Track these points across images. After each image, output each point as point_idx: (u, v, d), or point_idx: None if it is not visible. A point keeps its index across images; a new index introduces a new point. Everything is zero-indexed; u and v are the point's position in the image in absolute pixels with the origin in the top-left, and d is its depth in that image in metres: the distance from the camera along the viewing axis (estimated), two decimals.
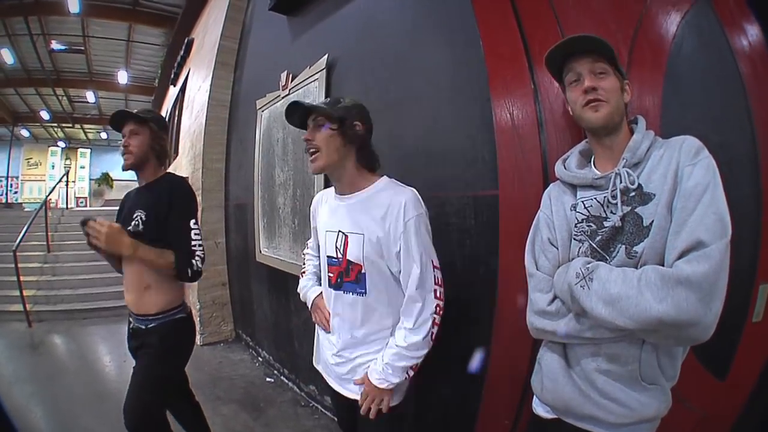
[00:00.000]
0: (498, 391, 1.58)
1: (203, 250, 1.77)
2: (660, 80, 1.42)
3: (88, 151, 19.57)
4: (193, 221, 1.77)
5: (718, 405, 1.45)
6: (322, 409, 2.77)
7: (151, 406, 1.71)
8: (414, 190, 1.35)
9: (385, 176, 1.42)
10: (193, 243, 1.74)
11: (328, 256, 1.45)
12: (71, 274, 6.23)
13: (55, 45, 10.40)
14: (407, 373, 1.31)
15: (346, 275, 1.39)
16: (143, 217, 1.73)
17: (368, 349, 1.39)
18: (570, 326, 1.00)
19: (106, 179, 19.03)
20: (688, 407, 1.37)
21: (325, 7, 2.71)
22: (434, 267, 1.31)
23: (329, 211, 1.47)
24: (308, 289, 1.61)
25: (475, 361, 1.59)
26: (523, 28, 1.52)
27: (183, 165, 4.98)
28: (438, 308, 1.30)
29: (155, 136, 1.84)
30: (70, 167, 17.85)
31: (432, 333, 1.30)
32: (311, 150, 1.34)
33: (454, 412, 1.78)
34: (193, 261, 1.72)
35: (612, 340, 0.96)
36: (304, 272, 1.69)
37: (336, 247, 1.40)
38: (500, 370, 1.57)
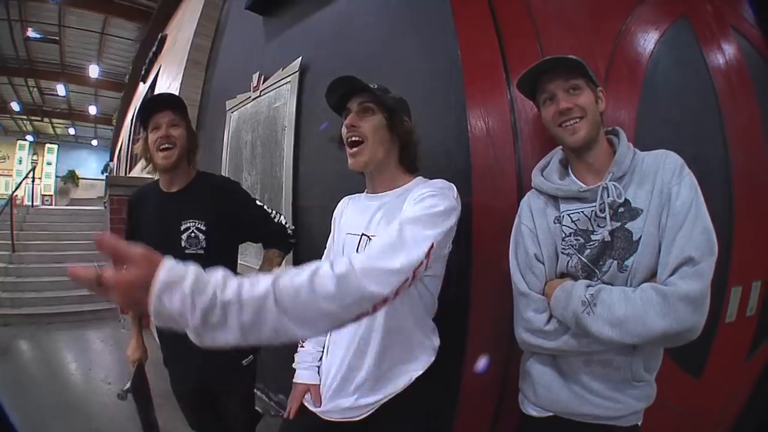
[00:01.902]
0: (474, 398, 1.54)
1: (278, 211, 1.77)
2: (636, 94, 1.45)
3: (56, 146, 18.96)
4: (258, 201, 1.72)
5: (696, 402, 1.55)
6: None
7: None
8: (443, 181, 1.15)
9: (420, 177, 1.26)
10: (274, 216, 1.72)
11: None
12: (36, 275, 5.92)
13: (31, 33, 10.07)
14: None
15: None
16: (202, 227, 1.53)
17: (369, 379, 1.16)
18: (569, 344, 1.03)
19: (72, 177, 18.39)
20: (668, 407, 1.43)
21: (301, 10, 2.65)
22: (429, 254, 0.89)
23: (355, 212, 1.29)
24: (301, 369, 1.34)
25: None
26: (502, 41, 1.50)
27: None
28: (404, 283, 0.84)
29: (191, 130, 1.62)
30: (37, 163, 17.25)
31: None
32: (354, 138, 1.14)
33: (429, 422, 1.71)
34: (289, 232, 1.74)
35: (604, 349, 1.01)
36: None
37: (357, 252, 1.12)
38: (475, 377, 1.52)
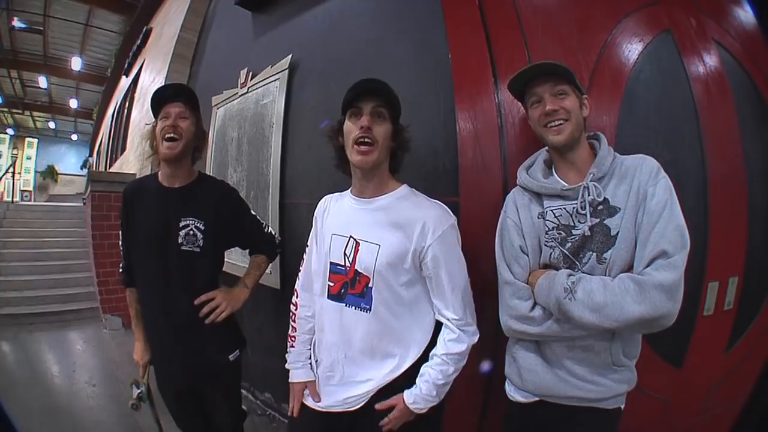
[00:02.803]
0: (462, 391, 1.54)
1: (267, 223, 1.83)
2: (618, 102, 1.51)
3: (36, 141, 18.47)
4: (252, 210, 1.78)
5: (678, 390, 1.63)
6: (280, 417, 2.63)
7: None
8: (442, 204, 1.25)
9: (405, 185, 1.30)
10: (264, 227, 1.78)
11: (332, 263, 1.29)
12: (16, 274, 5.67)
13: (16, 22, 9.73)
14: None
15: (351, 287, 1.25)
16: (200, 226, 1.54)
17: (361, 371, 1.26)
18: (552, 329, 1.10)
19: (51, 173, 17.95)
20: (651, 396, 1.53)
21: (292, 7, 2.63)
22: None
23: (341, 213, 1.32)
24: (295, 369, 1.41)
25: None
26: (491, 47, 1.54)
27: (131, 161, 4.76)
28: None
29: (200, 127, 1.61)
30: (17, 157, 16.78)
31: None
32: (367, 140, 1.17)
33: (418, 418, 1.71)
34: (275, 241, 1.82)
35: (586, 335, 1.08)
36: (294, 337, 1.44)
37: (345, 254, 1.25)
38: (463, 371, 1.53)
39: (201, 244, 1.54)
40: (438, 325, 1.28)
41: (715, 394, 1.72)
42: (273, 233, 1.82)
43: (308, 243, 1.44)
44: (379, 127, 1.19)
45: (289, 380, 1.40)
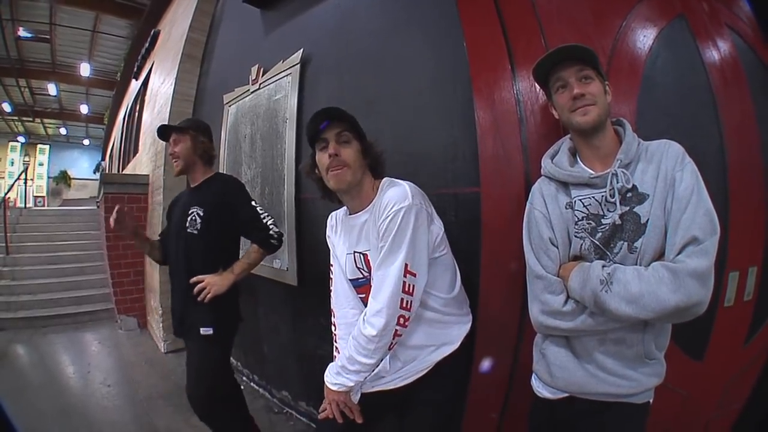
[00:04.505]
0: (484, 386, 1.56)
1: (272, 217, 1.98)
2: (636, 88, 1.49)
3: (47, 147, 18.71)
4: (253, 202, 1.97)
5: (698, 384, 1.60)
6: (297, 415, 2.66)
7: (214, 389, 1.89)
8: (407, 184, 1.25)
9: (385, 177, 1.34)
10: (262, 218, 1.93)
11: (351, 280, 1.38)
12: (30, 278, 5.78)
13: (22, 32, 9.86)
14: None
15: None
16: (200, 213, 1.89)
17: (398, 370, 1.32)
18: (586, 323, 1.07)
19: (64, 178, 18.18)
20: (671, 389, 1.48)
21: (301, 2, 2.64)
22: (408, 272, 1.17)
23: (343, 234, 1.40)
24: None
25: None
26: (507, 34, 1.54)
27: (143, 162, 4.77)
28: (402, 319, 1.18)
29: (196, 140, 1.99)
30: (29, 164, 17.02)
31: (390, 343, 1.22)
32: (338, 166, 1.24)
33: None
34: (271, 233, 1.92)
35: (617, 327, 1.06)
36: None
37: (358, 268, 1.33)
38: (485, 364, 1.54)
39: (198, 227, 1.88)
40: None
41: (731, 390, 1.70)
42: (270, 225, 1.94)
43: (331, 261, 1.50)
44: (347, 151, 1.26)
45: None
